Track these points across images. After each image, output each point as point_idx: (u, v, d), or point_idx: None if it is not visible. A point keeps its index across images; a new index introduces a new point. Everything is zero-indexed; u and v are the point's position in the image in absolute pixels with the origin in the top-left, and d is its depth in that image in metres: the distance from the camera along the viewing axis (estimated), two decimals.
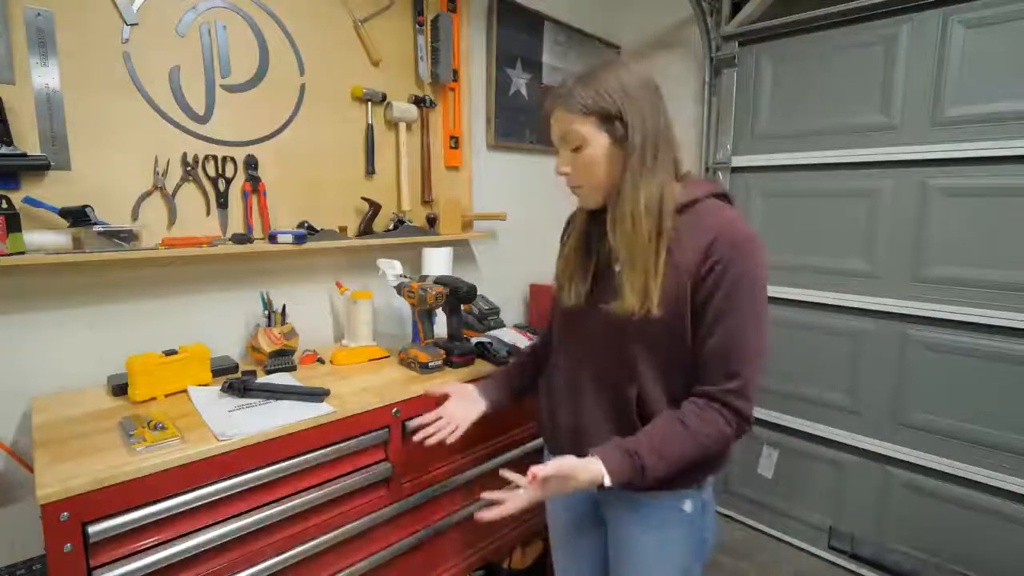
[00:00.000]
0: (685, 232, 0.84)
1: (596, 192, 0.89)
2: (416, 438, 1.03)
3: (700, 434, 0.81)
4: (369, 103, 1.58)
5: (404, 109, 1.64)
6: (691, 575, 0.97)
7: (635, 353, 0.88)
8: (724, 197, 0.90)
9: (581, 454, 0.93)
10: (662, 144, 0.85)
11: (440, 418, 1.04)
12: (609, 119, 0.83)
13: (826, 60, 1.84)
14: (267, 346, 1.31)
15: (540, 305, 2.08)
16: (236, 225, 1.38)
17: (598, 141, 0.85)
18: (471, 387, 1.10)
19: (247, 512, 0.98)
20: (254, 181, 1.39)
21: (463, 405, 1.07)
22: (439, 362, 1.33)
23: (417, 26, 1.67)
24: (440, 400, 1.09)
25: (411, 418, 1.20)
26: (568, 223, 1.08)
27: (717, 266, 0.81)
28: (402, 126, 1.66)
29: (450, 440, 1.02)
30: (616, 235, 0.85)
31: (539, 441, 1.49)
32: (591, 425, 0.94)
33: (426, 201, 1.77)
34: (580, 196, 0.92)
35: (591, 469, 0.79)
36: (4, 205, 1.02)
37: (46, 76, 1.10)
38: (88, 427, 0.98)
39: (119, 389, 1.12)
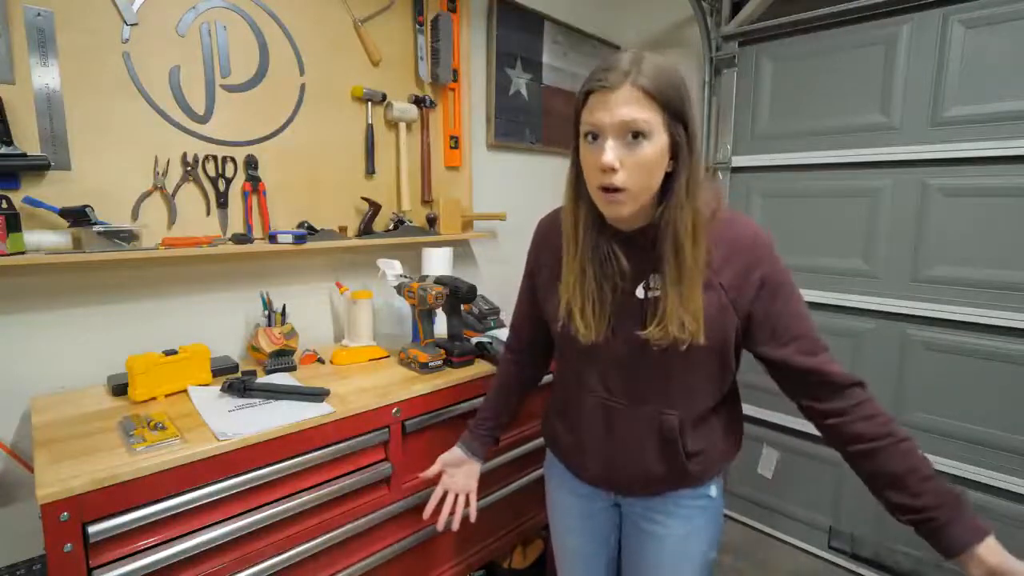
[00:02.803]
0: (714, 247, 0.78)
1: (636, 200, 0.74)
2: (439, 527, 1.03)
3: (896, 427, 0.78)
4: (369, 103, 1.58)
5: (404, 109, 1.64)
6: (710, 558, 0.96)
7: (677, 381, 0.84)
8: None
9: (612, 475, 0.93)
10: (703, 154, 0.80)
11: (445, 495, 1.05)
12: (677, 119, 0.73)
13: (826, 60, 1.84)
14: (267, 346, 1.31)
15: None
16: (236, 225, 1.38)
17: (659, 139, 0.72)
18: (457, 450, 1.08)
19: (247, 512, 0.98)
20: (254, 181, 1.39)
21: (461, 473, 1.07)
22: (439, 362, 1.33)
23: (417, 26, 1.67)
24: (435, 480, 1.08)
25: (411, 418, 1.20)
26: (546, 227, 0.98)
27: (766, 277, 0.79)
28: (402, 126, 1.66)
29: (473, 515, 1.06)
30: (687, 254, 0.75)
31: (540, 441, 1.49)
32: (627, 454, 0.90)
33: (426, 201, 1.77)
34: (614, 201, 0.74)
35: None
36: (4, 205, 1.02)
37: (46, 76, 1.10)
38: (88, 427, 0.98)
39: (119, 389, 1.12)
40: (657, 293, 0.79)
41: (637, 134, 0.71)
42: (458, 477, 1.07)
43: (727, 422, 0.92)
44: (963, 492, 0.75)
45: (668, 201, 0.76)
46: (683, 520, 0.93)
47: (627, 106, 0.70)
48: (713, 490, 0.93)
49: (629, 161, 0.72)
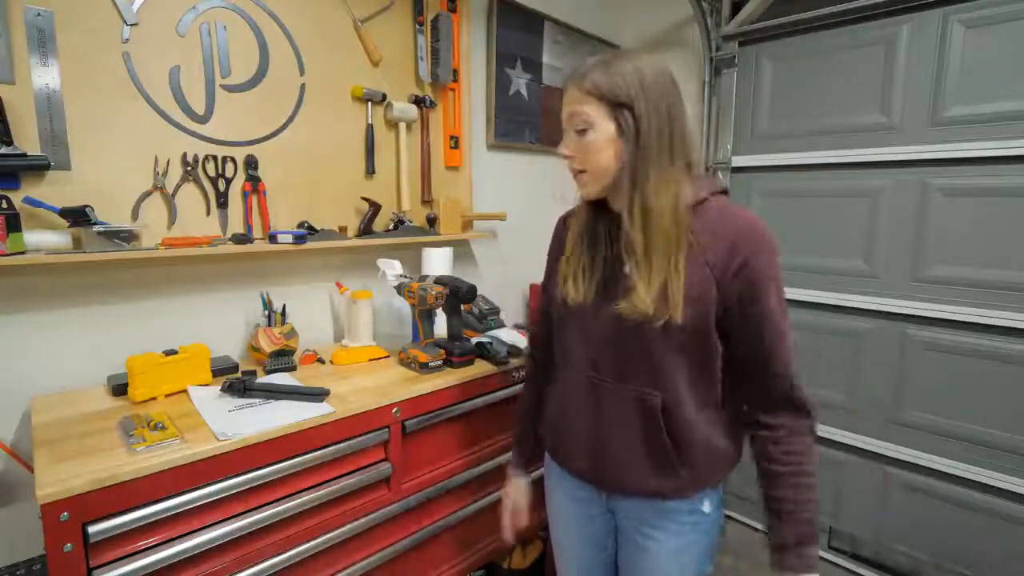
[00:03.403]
0: (701, 232, 0.81)
1: (597, 180, 0.85)
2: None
3: (805, 465, 0.83)
4: (369, 103, 1.58)
5: (404, 109, 1.64)
6: (704, 572, 0.95)
7: (656, 358, 0.85)
8: (724, 194, 0.88)
9: (600, 464, 0.93)
10: (677, 141, 0.82)
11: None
12: (619, 107, 0.80)
13: (826, 60, 1.84)
14: (267, 346, 1.31)
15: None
16: (236, 225, 1.38)
17: (604, 127, 0.82)
18: (516, 481, 1.15)
19: (247, 512, 0.98)
20: (254, 181, 1.39)
21: (514, 488, 1.15)
22: (439, 362, 1.33)
23: (417, 26, 1.67)
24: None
25: (411, 418, 1.20)
26: (562, 222, 1.04)
27: (745, 268, 0.80)
28: (402, 126, 1.66)
29: (523, 522, 1.16)
30: (633, 233, 0.81)
31: None
32: (613, 436, 0.90)
33: (426, 201, 1.77)
34: (580, 183, 0.88)
35: None
36: (4, 205, 1.02)
37: (46, 76, 1.10)
38: (88, 427, 0.98)
39: (119, 389, 1.12)
40: (631, 268, 0.84)
41: (583, 125, 0.83)
42: (513, 497, 1.15)
43: (724, 429, 0.90)
44: (816, 538, 0.84)
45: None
46: (675, 535, 0.91)
47: (572, 103, 0.84)
48: (707, 505, 0.91)
49: (580, 148, 0.85)
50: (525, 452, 1.14)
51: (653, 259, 0.80)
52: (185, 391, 1.14)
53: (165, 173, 1.26)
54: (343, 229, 1.55)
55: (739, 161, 2.07)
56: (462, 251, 1.96)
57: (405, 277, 1.45)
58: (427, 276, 1.42)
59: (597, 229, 0.91)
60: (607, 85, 0.80)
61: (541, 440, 1.09)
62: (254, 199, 1.40)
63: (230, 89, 1.34)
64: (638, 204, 0.81)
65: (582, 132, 0.83)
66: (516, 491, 1.14)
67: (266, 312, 1.37)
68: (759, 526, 2.14)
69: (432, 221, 1.74)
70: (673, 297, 0.79)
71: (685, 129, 0.83)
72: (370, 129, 1.60)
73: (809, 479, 0.83)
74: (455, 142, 1.83)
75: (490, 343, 1.45)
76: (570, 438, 0.97)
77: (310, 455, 1.05)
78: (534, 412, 1.11)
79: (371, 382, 1.24)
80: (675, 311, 0.79)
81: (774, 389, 0.83)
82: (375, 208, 1.58)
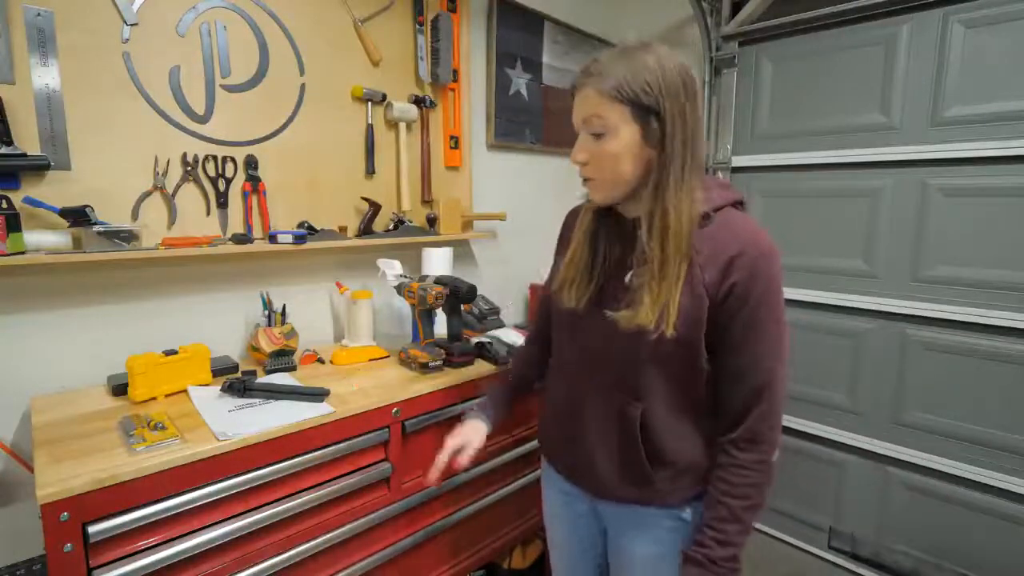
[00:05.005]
0: (704, 245, 0.77)
1: (611, 188, 0.80)
2: (431, 478, 1.00)
3: (753, 493, 0.81)
4: (369, 103, 1.58)
5: (404, 109, 1.64)
6: None
7: (643, 370, 0.82)
8: (740, 204, 0.84)
9: (580, 466, 0.93)
10: (698, 145, 0.76)
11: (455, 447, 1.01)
12: (645, 112, 0.74)
13: (826, 60, 1.84)
14: (267, 346, 1.31)
15: None
16: (236, 225, 1.38)
17: (626, 133, 0.75)
18: (474, 420, 1.07)
19: (247, 512, 0.98)
20: (254, 181, 1.39)
21: (470, 426, 1.05)
22: (439, 362, 1.33)
23: (417, 26, 1.68)
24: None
25: (411, 418, 1.20)
26: (568, 219, 1.02)
27: (738, 286, 0.76)
28: (402, 126, 1.66)
29: (463, 463, 1.01)
30: (651, 245, 0.77)
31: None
32: (591, 440, 0.90)
33: (426, 201, 1.77)
34: (591, 189, 0.82)
35: None
36: (4, 205, 1.02)
37: (46, 76, 1.10)
38: (88, 427, 0.98)
39: (119, 389, 1.12)
40: (639, 280, 0.80)
41: (601, 130, 0.76)
42: (467, 429, 1.04)
43: (707, 441, 0.86)
44: (728, 549, 0.81)
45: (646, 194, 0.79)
46: (655, 542, 0.89)
47: (589, 106, 0.76)
48: (688, 512, 0.88)
49: (595, 154, 0.78)
50: (489, 405, 1.08)
51: (667, 272, 0.76)
52: (185, 391, 1.14)
53: (165, 173, 1.26)
54: (343, 229, 1.55)
55: (739, 161, 2.07)
56: (462, 251, 1.96)
57: (405, 277, 1.45)
58: (427, 276, 1.42)
59: (599, 233, 0.88)
60: (631, 86, 0.73)
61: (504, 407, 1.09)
62: (254, 199, 1.40)
63: (230, 89, 1.34)
64: (659, 216, 0.76)
65: (599, 137, 0.77)
66: (471, 428, 1.03)
67: (266, 312, 1.37)
68: (759, 526, 2.14)
69: (432, 221, 1.74)
70: (670, 310, 0.76)
71: (701, 131, 0.78)
72: (370, 129, 1.60)
73: (735, 504, 0.80)
74: (455, 142, 1.83)
75: (490, 343, 1.45)
76: (555, 437, 0.98)
77: (310, 455, 1.05)
78: (517, 378, 1.13)
79: (371, 382, 1.24)
80: (668, 324, 0.76)
81: (742, 409, 0.80)
82: (375, 208, 1.58)
